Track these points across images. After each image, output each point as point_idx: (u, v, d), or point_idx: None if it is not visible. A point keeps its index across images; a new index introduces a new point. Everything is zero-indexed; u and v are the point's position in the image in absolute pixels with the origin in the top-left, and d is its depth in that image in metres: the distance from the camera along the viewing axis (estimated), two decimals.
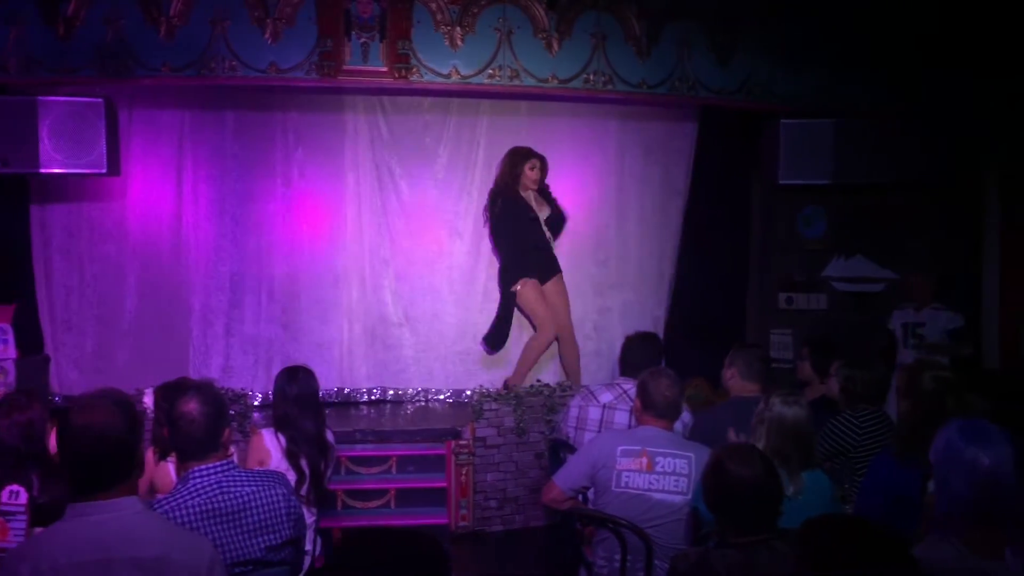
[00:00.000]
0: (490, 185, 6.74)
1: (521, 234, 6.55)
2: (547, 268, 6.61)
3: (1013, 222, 6.88)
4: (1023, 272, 6.84)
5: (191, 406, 2.80)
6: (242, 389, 6.22)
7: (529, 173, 6.49)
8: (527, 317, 6.72)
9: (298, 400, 4.16)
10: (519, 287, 6.55)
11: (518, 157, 6.51)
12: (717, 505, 2.79)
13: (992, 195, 6.99)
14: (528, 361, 6.68)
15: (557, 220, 6.66)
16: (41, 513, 2.92)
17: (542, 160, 6.53)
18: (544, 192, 6.63)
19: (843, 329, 6.54)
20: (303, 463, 4.10)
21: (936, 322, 6.25)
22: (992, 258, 7.01)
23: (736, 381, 4.40)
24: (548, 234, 6.58)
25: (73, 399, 4.33)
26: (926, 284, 6.39)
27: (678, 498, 3.63)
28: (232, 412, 3.55)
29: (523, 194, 6.54)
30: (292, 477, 3.91)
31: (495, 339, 6.70)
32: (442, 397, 6.74)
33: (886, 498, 3.42)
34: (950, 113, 6.65)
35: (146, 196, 6.41)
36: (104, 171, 5.74)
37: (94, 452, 2.28)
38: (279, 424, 4.16)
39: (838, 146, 6.51)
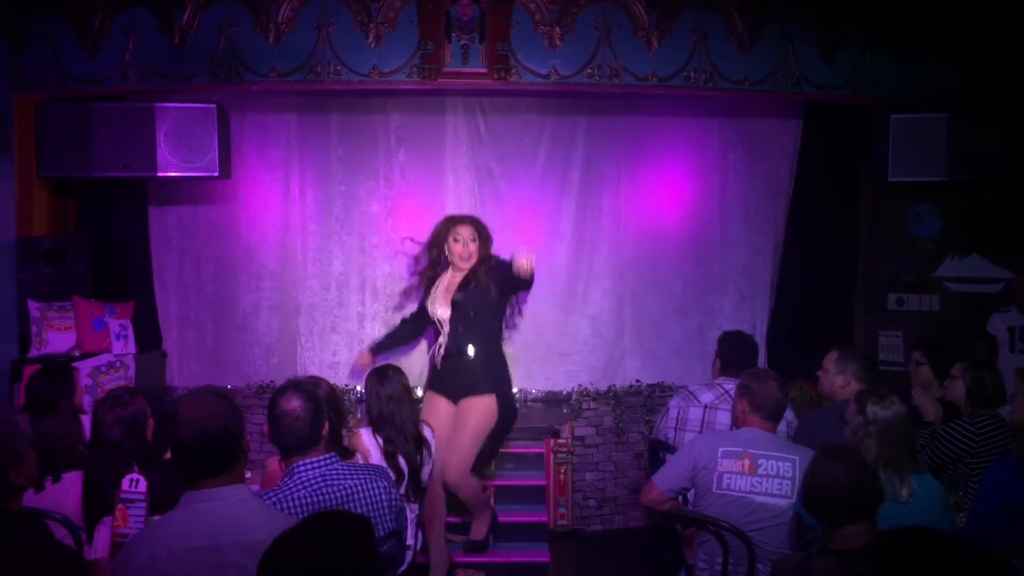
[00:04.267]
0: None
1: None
2: (454, 385, 5.08)
3: None
4: None
5: (293, 404, 2.89)
6: (347, 385, 6.37)
7: (454, 246, 5.12)
8: None
9: (391, 399, 4.25)
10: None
11: (441, 227, 5.24)
12: (813, 507, 2.75)
13: None
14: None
15: (478, 302, 5.03)
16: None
17: (476, 226, 5.19)
18: (489, 267, 5.10)
19: (954, 332, 6.31)
20: (401, 462, 4.18)
21: None
22: None
23: (852, 387, 4.29)
24: (446, 340, 5.12)
25: (179, 396, 4.54)
26: None
27: (782, 501, 3.56)
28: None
29: (450, 273, 5.18)
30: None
31: None
32: (539, 396, 6.73)
33: (1002, 504, 3.31)
34: None
35: (256, 198, 6.62)
36: (217, 174, 5.95)
37: (198, 443, 2.40)
38: (375, 424, 4.26)
39: (952, 141, 6.18)
